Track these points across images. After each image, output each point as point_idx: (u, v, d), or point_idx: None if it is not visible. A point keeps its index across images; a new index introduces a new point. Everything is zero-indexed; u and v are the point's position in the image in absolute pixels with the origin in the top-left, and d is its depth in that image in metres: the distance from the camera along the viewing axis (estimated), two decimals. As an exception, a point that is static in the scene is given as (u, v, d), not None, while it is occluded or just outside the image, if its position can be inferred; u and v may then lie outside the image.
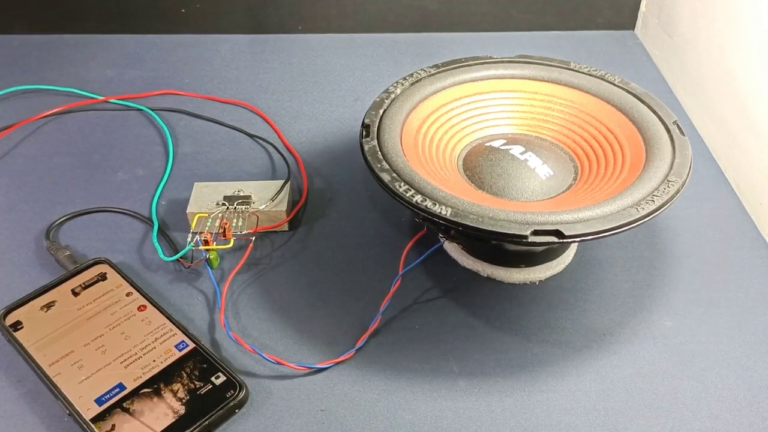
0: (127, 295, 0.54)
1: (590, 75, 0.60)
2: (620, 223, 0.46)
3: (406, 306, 0.55)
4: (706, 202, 0.65)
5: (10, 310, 0.52)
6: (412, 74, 0.60)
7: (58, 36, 0.88)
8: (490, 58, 0.62)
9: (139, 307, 0.53)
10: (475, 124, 0.60)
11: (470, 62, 0.62)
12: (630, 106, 0.56)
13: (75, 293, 0.54)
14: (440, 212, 0.46)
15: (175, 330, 0.51)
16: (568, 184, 0.55)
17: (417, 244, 0.59)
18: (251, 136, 0.73)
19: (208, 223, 0.58)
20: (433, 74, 0.60)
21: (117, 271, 0.56)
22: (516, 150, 0.55)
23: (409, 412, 0.48)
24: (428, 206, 0.47)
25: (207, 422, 0.46)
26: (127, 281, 0.55)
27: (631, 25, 0.92)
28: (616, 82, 0.59)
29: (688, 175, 0.50)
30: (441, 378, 0.50)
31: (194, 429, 0.45)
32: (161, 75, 0.82)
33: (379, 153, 0.52)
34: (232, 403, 0.47)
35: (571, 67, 0.61)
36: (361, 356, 0.51)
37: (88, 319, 0.52)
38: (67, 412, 0.46)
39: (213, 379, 0.48)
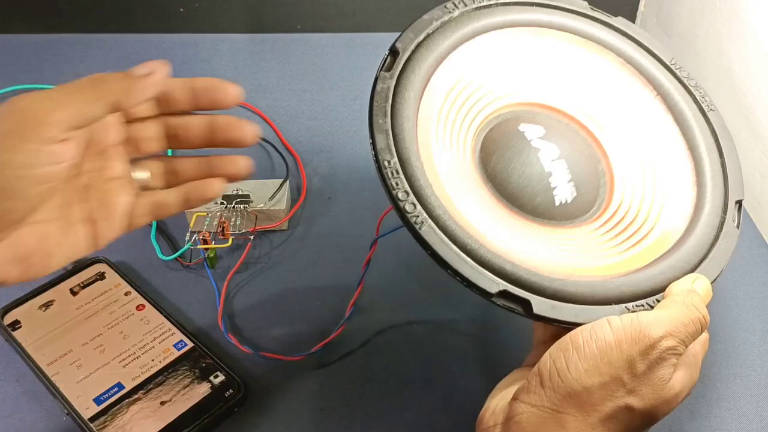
0: (126, 294, 0.54)
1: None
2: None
3: (406, 306, 0.55)
4: (705, 202, 0.64)
5: (8, 309, 0.52)
6: None
7: (56, 35, 0.88)
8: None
9: (138, 307, 0.53)
10: (520, 84, 0.48)
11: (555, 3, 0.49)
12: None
13: (73, 292, 0.54)
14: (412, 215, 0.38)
15: (174, 329, 0.51)
16: (585, 214, 0.46)
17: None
18: (250, 135, 0.73)
19: (207, 222, 0.58)
20: (503, 3, 0.48)
21: (115, 270, 0.56)
22: (548, 153, 0.46)
23: (408, 412, 0.48)
24: (406, 209, 0.39)
25: (206, 422, 0.46)
26: (126, 280, 0.55)
27: (629, 24, 0.92)
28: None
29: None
30: (441, 378, 0.50)
31: (193, 428, 0.45)
32: (160, 74, 0.82)
33: (389, 103, 0.41)
34: (230, 403, 0.47)
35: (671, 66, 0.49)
36: (361, 356, 0.51)
37: (86, 319, 0.52)
38: (66, 411, 0.46)
39: (212, 378, 0.48)
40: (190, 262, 0.58)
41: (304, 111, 0.76)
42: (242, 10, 0.88)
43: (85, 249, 0.38)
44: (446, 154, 0.43)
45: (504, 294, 0.37)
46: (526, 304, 0.37)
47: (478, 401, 0.49)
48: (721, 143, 0.46)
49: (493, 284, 0.37)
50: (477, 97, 0.47)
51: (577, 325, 0.37)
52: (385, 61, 0.43)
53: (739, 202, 0.45)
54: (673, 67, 0.49)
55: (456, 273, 0.37)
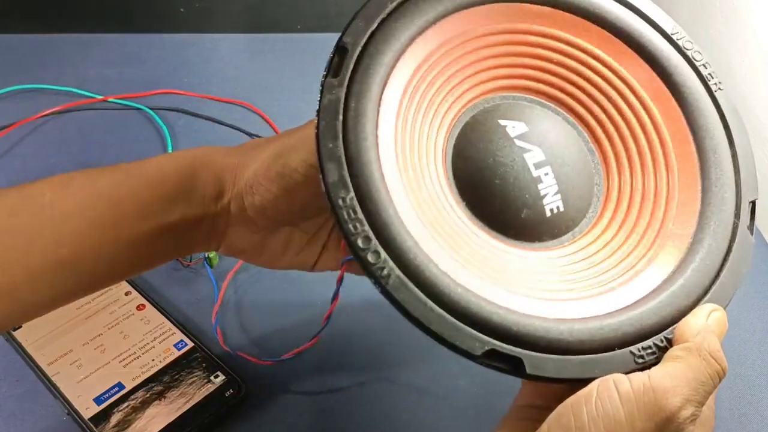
0: (126, 294, 0.54)
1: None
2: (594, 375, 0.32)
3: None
4: (706, 202, 0.64)
5: (8, 309, 0.52)
6: None
7: (56, 35, 0.88)
8: None
9: (138, 306, 0.53)
10: (501, 67, 0.40)
11: None
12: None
13: (74, 292, 0.54)
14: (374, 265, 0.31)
15: (174, 329, 0.51)
16: (577, 225, 0.39)
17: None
18: (250, 135, 0.73)
19: (207, 222, 0.58)
20: None
21: (116, 270, 0.56)
22: (533, 156, 0.37)
23: (408, 413, 0.48)
24: (369, 259, 0.31)
25: (206, 421, 0.46)
26: (126, 280, 0.55)
27: (630, 24, 0.92)
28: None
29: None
30: (440, 378, 0.50)
31: (193, 428, 0.45)
32: (160, 74, 0.82)
33: (340, 120, 0.33)
34: (230, 403, 0.47)
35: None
36: (362, 357, 0.51)
37: (86, 318, 0.52)
38: (66, 411, 0.46)
39: (212, 378, 0.48)
40: (191, 261, 0.58)
41: (305, 111, 0.76)
42: (242, 10, 0.89)
43: (305, 267, 0.44)
44: (411, 170, 0.35)
45: (491, 354, 0.31)
46: (518, 363, 0.31)
47: (478, 402, 0.49)
48: (732, 132, 0.39)
49: (478, 343, 0.31)
50: (446, 89, 0.38)
51: (578, 381, 0.32)
52: (331, 63, 0.33)
53: (753, 203, 0.38)
54: (674, 38, 0.42)
55: (433, 334, 0.31)
